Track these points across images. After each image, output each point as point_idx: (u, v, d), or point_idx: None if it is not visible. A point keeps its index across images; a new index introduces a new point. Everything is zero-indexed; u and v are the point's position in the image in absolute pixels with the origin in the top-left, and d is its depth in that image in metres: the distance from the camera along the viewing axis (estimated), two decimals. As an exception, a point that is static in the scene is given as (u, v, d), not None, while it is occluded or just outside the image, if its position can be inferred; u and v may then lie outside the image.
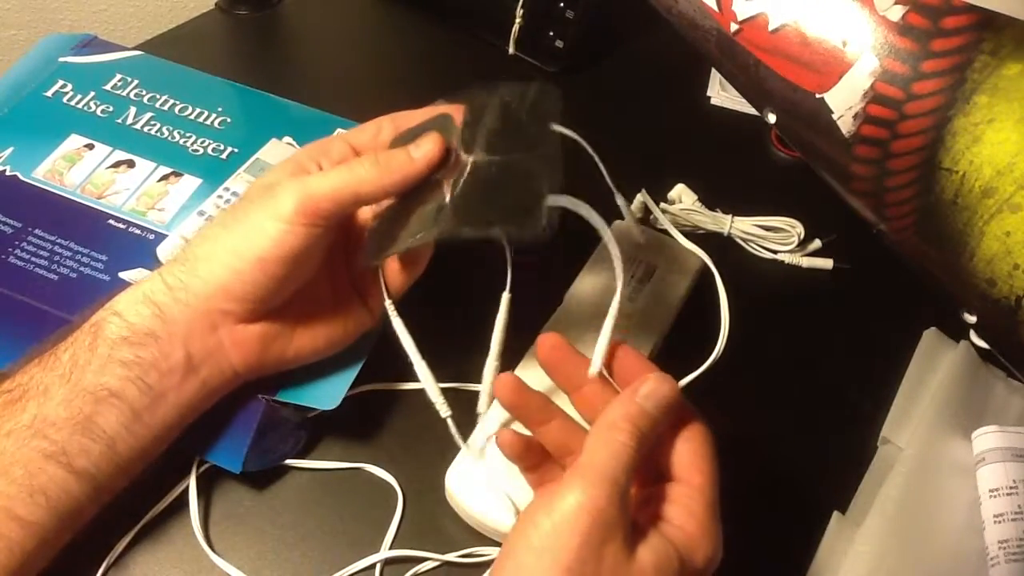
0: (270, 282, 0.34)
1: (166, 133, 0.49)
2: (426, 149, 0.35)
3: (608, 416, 0.29)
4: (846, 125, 0.38)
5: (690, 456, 0.30)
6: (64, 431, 0.32)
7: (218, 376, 0.35)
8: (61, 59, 0.52)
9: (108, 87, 0.51)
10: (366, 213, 0.39)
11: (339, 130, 0.51)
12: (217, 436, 0.37)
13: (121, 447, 0.33)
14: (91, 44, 0.53)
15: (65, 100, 0.50)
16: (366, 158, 0.35)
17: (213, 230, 0.35)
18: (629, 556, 0.27)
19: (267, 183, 0.35)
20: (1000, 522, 0.37)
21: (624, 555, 0.26)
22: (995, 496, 0.38)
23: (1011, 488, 0.38)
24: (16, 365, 0.34)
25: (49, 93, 0.50)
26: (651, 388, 0.30)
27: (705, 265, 0.47)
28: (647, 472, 0.32)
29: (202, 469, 0.38)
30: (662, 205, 0.51)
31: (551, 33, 0.59)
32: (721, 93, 0.60)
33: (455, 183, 0.34)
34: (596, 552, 0.26)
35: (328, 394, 0.39)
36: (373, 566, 0.37)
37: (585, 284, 0.45)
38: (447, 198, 0.34)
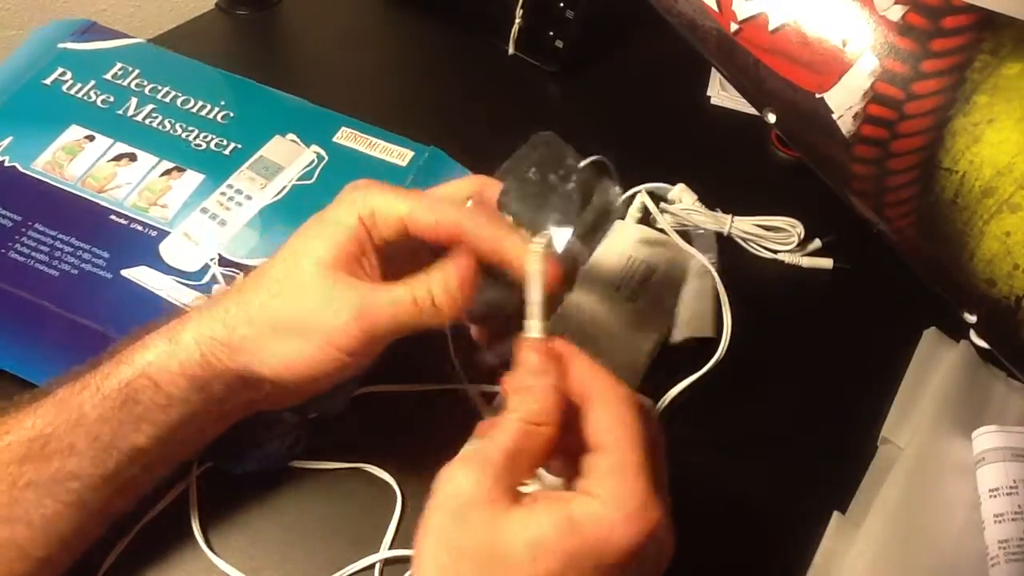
0: (311, 389, 0.34)
1: (168, 126, 0.49)
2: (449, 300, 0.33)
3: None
4: (846, 125, 0.38)
5: (606, 422, 0.28)
6: (88, 484, 0.32)
7: (241, 415, 0.36)
8: (60, 45, 0.52)
9: (108, 76, 0.51)
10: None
11: (344, 128, 0.50)
12: (218, 439, 0.37)
13: (140, 484, 0.34)
14: (91, 30, 0.53)
15: (65, 88, 0.50)
16: (437, 286, 0.32)
17: (260, 319, 0.33)
18: (496, 528, 0.27)
19: (318, 260, 0.33)
20: (1000, 522, 0.37)
21: (484, 528, 0.27)
22: (995, 496, 0.38)
23: (1011, 488, 0.38)
24: (33, 397, 0.33)
25: (48, 81, 0.50)
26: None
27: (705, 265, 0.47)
28: (571, 447, 0.31)
29: (201, 469, 0.38)
30: (662, 205, 0.51)
31: (551, 33, 0.59)
32: (721, 93, 0.60)
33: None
34: (444, 537, 0.27)
35: (331, 400, 0.39)
36: (373, 566, 0.37)
37: (584, 287, 0.45)
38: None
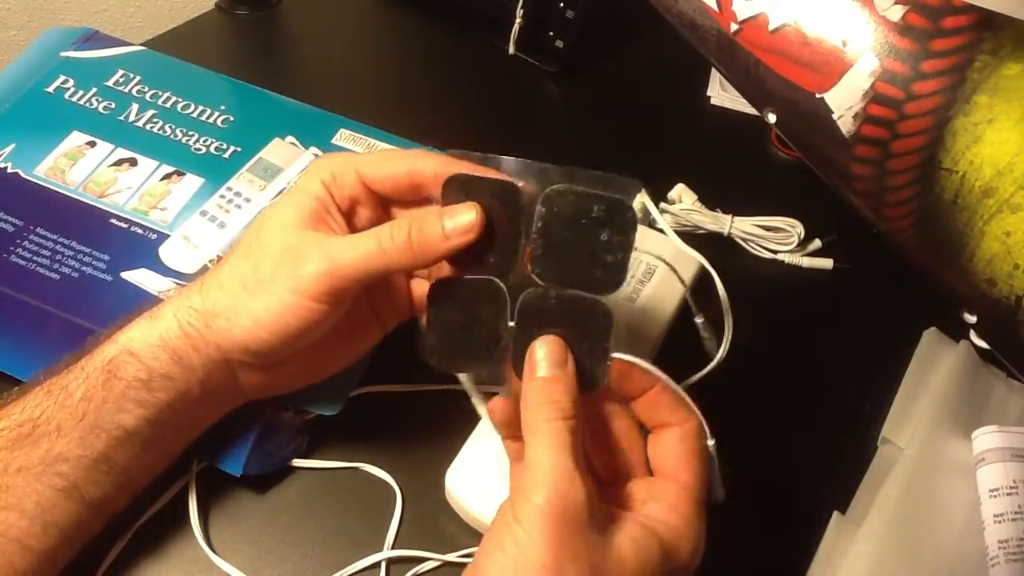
0: (291, 346, 0.34)
1: (168, 131, 0.49)
2: (461, 224, 0.32)
3: (527, 404, 0.30)
4: (846, 125, 0.38)
5: (681, 454, 0.31)
6: (78, 468, 0.32)
7: (230, 403, 0.36)
8: (63, 54, 0.52)
9: (110, 83, 0.51)
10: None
11: (342, 130, 0.51)
12: (218, 440, 0.37)
13: (133, 473, 0.34)
14: (93, 38, 0.53)
15: (67, 96, 0.50)
16: (399, 230, 0.32)
17: (231, 281, 0.33)
18: (605, 543, 0.27)
19: (284, 222, 0.33)
20: (1000, 522, 0.37)
21: (597, 542, 0.27)
22: (995, 496, 0.38)
23: (1011, 488, 0.38)
24: (22, 389, 0.33)
25: (51, 89, 0.50)
26: (541, 353, 0.30)
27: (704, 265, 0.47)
28: (622, 462, 0.32)
29: (200, 467, 0.38)
30: (662, 205, 0.51)
31: (551, 33, 0.59)
32: (721, 93, 0.60)
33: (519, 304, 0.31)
34: (567, 546, 0.27)
35: (330, 399, 0.39)
36: (373, 566, 0.37)
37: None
38: (509, 320, 0.32)
